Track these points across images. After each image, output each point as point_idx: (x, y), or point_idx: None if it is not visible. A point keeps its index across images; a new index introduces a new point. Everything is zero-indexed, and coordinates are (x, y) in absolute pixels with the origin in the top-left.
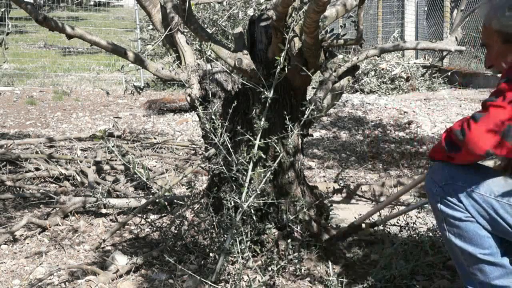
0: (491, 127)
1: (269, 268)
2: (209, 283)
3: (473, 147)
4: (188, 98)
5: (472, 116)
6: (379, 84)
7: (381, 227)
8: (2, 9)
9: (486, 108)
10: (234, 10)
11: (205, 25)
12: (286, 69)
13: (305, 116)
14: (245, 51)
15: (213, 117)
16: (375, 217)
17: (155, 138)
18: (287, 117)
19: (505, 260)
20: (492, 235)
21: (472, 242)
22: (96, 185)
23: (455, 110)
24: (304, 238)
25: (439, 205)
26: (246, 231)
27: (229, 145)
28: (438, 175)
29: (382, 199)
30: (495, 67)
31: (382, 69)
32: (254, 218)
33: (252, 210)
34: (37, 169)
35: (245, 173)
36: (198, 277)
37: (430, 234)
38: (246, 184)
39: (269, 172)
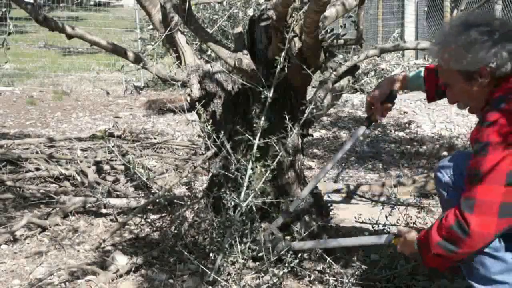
0: (487, 213)
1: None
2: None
3: (480, 239)
4: (188, 98)
5: (462, 208)
6: None
7: (381, 227)
8: (3, 9)
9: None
10: (234, 10)
11: (205, 25)
12: (286, 69)
13: (305, 116)
14: (245, 51)
15: (213, 117)
16: None
17: (155, 138)
18: (287, 117)
19: (508, 256)
20: None
21: None
22: (96, 185)
23: (455, 110)
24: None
25: (445, 194)
26: (246, 231)
27: (228, 145)
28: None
29: (382, 199)
30: (461, 103)
31: (382, 69)
32: (256, 217)
33: (254, 208)
34: (37, 169)
35: (244, 172)
36: (198, 277)
37: None
38: (245, 184)
39: (269, 172)
